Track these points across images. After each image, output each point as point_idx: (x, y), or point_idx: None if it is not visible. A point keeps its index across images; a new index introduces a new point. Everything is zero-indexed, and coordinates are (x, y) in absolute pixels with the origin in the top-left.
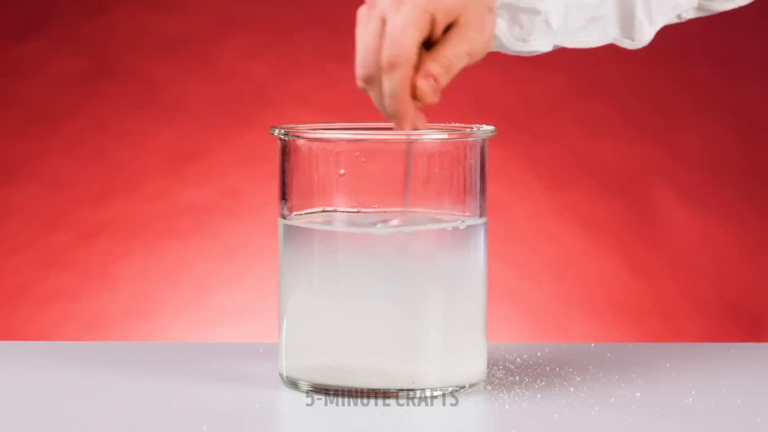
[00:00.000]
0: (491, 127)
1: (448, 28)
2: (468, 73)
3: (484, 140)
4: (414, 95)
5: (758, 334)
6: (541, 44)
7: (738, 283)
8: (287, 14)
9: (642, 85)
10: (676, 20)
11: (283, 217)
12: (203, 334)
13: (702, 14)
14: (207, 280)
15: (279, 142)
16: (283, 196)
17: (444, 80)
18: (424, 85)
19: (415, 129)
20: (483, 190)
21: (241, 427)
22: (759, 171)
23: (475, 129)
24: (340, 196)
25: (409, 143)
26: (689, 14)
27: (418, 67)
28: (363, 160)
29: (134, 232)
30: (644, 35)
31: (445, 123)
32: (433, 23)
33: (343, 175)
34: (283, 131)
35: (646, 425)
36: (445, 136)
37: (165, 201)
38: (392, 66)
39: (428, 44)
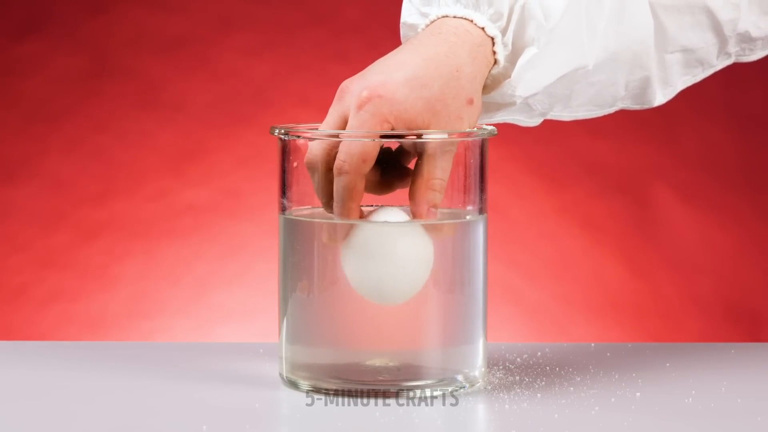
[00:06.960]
0: (491, 127)
1: None
2: None
3: (484, 140)
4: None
5: (758, 334)
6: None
7: (738, 283)
8: (287, 14)
9: None
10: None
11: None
12: (203, 334)
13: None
14: (207, 280)
15: (279, 142)
16: (283, 195)
17: (441, 198)
18: (426, 216)
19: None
20: (483, 190)
21: (241, 427)
22: (759, 171)
23: (475, 129)
24: None
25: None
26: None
27: (415, 181)
28: None
29: (134, 232)
30: (655, 100)
31: None
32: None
33: None
34: (283, 131)
35: (646, 425)
36: (445, 136)
37: (165, 201)
38: (339, 171)
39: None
